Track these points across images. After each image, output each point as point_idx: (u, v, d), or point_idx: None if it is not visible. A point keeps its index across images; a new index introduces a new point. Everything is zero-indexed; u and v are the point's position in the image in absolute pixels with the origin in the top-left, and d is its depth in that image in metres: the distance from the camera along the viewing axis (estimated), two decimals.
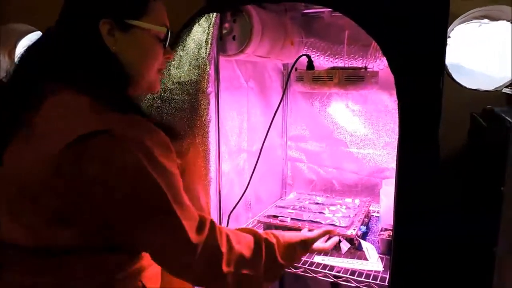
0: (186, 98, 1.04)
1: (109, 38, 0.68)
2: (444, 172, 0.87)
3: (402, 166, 0.86)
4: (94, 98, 0.63)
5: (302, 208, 1.36)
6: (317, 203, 1.43)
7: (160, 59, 0.77)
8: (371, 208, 1.45)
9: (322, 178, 1.62)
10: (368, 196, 1.53)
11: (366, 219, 1.33)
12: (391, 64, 0.83)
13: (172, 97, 1.05)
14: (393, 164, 1.49)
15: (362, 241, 1.17)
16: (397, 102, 0.83)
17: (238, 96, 1.34)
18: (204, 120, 1.04)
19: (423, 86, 0.81)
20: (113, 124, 0.59)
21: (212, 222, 0.71)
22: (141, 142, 0.59)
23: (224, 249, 0.69)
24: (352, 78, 1.05)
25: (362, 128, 1.50)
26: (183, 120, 1.05)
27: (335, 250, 1.13)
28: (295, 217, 1.26)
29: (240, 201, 1.24)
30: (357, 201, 1.45)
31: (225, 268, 0.68)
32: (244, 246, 0.75)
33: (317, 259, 1.11)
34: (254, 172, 1.33)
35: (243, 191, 1.24)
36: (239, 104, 1.35)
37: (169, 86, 1.05)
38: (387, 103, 1.44)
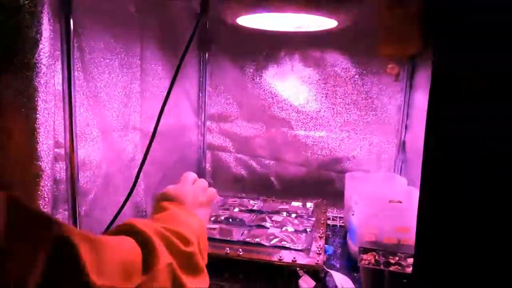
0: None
1: None
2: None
3: (432, 151, 0.44)
4: None
5: (230, 220, 0.87)
6: (252, 211, 0.95)
7: None
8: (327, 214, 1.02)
9: (255, 173, 1.17)
10: (320, 198, 1.10)
11: (329, 232, 0.88)
12: None
13: None
14: (354, 152, 1.08)
15: (334, 273, 0.71)
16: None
17: (123, 38, 0.80)
18: (27, 60, 0.50)
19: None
20: None
21: None
22: None
23: None
24: None
25: (313, 102, 1.07)
26: None
27: None
28: (220, 237, 0.77)
29: (126, 209, 0.72)
30: (309, 204, 1.00)
31: None
32: None
33: None
34: (156, 165, 0.84)
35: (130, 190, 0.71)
36: (126, 51, 0.81)
37: None
38: (347, 66, 1.04)
